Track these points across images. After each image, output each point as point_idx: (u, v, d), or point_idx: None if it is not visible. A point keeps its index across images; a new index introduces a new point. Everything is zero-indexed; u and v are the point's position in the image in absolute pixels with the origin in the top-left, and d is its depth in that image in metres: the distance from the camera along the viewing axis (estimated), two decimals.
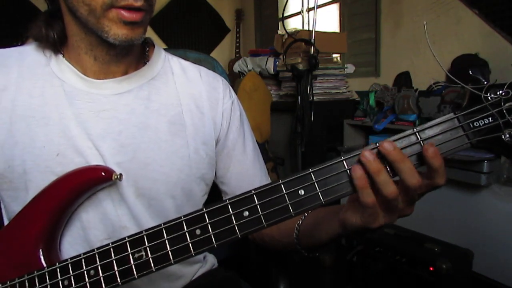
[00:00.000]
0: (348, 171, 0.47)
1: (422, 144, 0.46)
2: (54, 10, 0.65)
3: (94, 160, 0.64)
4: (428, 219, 1.71)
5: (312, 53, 2.15)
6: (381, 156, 0.46)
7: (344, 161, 0.47)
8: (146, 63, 0.71)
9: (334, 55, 2.46)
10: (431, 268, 1.39)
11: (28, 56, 0.67)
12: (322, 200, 0.47)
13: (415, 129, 0.47)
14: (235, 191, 0.77)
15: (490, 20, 1.94)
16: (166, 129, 0.69)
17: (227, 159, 0.76)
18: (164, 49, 0.78)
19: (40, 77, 0.66)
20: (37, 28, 0.66)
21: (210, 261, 0.84)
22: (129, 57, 0.67)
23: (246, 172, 0.78)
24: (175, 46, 3.80)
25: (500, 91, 0.45)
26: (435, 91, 1.95)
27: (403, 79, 2.31)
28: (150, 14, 0.62)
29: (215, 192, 0.80)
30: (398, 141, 0.47)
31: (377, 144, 0.47)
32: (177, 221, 0.51)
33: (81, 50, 0.65)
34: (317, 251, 0.65)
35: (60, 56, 0.67)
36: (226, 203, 0.49)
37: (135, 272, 0.51)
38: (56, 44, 0.66)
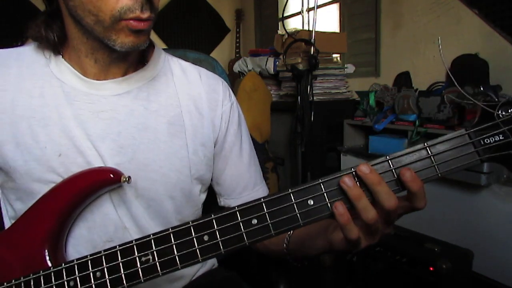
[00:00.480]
0: (358, 183, 0.47)
1: (432, 159, 0.47)
2: (53, 11, 0.65)
3: (94, 161, 0.64)
4: (428, 219, 1.71)
5: (312, 53, 2.14)
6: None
7: (354, 172, 0.48)
8: (145, 64, 0.71)
9: (334, 55, 2.46)
10: (431, 268, 1.39)
11: (27, 57, 0.67)
12: (331, 211, 0.48)
13: (425, 144, 0.47)
14: (228, 192, 0.78)
15: (490, 20, 1.95)
16: (165, 130, 0.69)
17: (223, 161, 0.77)
18: (164, 49, 0.78)
19: (40, 77, 0.66)
20: (36, 29, 0.65)
21: (210, 261, 0.84)
22: (129, 58, 0.68)
23: (241, 175, 0.78)
24: (175, 46, 3.79)
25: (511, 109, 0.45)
26: (435, 91, 1.95)
27: (403, 79, 2.31)
28: (154, 21, 0.63)
29: (213, 191, 0.81)
30: (409, 155, 0.47)
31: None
32: (185, 226, 0.51)
33: (81, 52, 0.65)
34: (306, 261, 0.66)
35: (60, 56, 0.67)
36: (234, 210, 0.49)
37: (141, 276, 0.52)
38: (56, 45, 0.66)
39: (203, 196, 0.78)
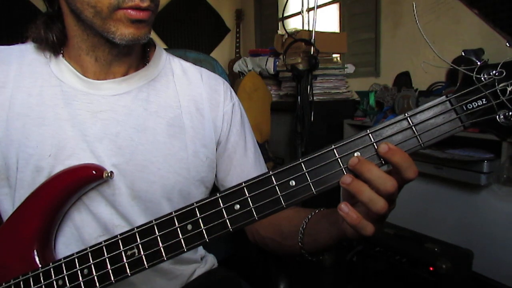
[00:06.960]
0: (339, 159, 0.46)
1: (414, 129, 0.45)
2: (54, 12, 0.65)
3: (88, 162, 0.63)
4: (428, 219, 1.72)
5: (312, 53, 2.15)
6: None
7: (335, 150, 0.46)
8: (146, 64, 0.71)
9: (334, 55, 2.46)
10: (431, 268, 1.39)
11: (29, 55, 0.67)
12: (314, 190, 0.46)
13: (406, 114, 0.45)
14: None
15: (490, 20, 1.94)
16: (165, 131, 0.68)
17: (228, 162, 0.76)
18: (164, 49, 0.78)
19: (40, 76, 0.66)
20: (36, 30, 0.65)
21: (210, 261, 0.83)
22: (130, 57, 0.67)
23: (248, 175, 0.76)
24: (175, 46, 3.80)
25: (493, 71, 0.43)
26: (435, 91, 1.95)
27: (403, 79, 2.31)
28: (155, 13, 0.62)
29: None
30: (389, 127, 0.45)
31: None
32: (168, 217, 0.50)
33: (82, 51, 0.64)
34: (320, 254, 0.64)
35: (60, 56, 0.67)
36: (216, 196, 0.49)
37: (128, 270, 0.51)
38: (55, 46, 0.66)
39: None
